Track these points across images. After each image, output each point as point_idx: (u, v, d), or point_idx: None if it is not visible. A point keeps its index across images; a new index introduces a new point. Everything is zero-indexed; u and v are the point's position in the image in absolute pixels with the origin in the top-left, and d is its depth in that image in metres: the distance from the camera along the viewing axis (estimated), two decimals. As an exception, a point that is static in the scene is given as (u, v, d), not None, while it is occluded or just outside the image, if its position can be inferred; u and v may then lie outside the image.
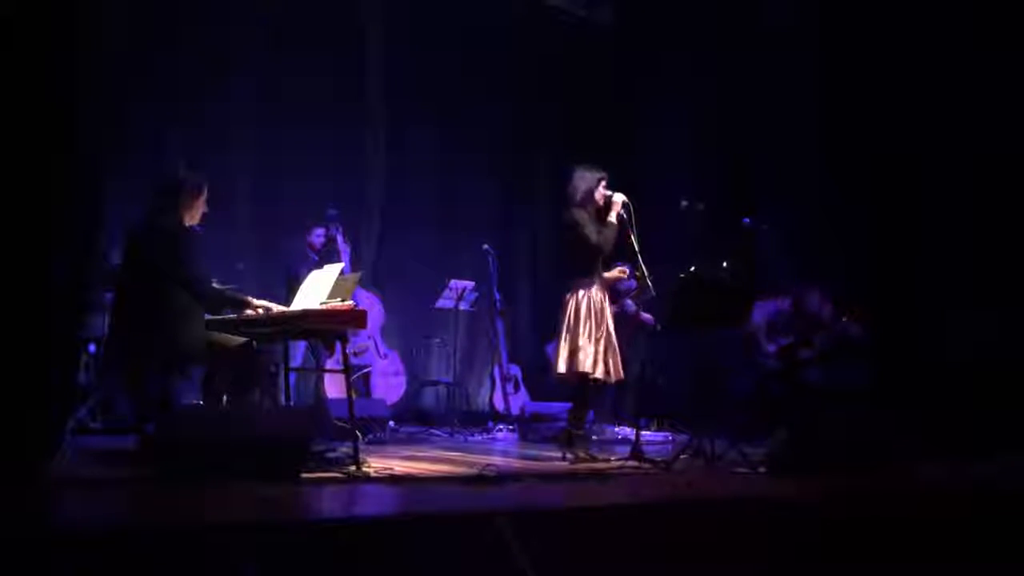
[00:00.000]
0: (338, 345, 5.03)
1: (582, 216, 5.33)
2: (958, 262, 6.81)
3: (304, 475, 4.02)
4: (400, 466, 4.76)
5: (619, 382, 5.51)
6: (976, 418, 6.14)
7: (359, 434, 4.68)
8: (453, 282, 7.82)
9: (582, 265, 5.36)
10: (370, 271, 7.94)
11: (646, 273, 5.32)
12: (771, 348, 7.38)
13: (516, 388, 8.28)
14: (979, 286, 6.71)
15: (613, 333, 5.35)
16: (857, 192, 7.41)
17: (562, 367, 5.35)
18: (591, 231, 5.29)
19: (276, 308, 4.65)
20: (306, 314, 4.57)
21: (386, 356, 7.75)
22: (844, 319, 6.99)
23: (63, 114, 3.61)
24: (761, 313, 7.09)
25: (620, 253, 5.51)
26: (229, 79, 7.57)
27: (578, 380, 5.35)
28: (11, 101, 3.48)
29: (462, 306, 7.96)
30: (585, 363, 5.22)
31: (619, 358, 5.36)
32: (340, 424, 5.47)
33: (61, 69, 3.60)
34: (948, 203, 6.93)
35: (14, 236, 3.55)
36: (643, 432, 5.71)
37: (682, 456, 5.12)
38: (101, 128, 4.12)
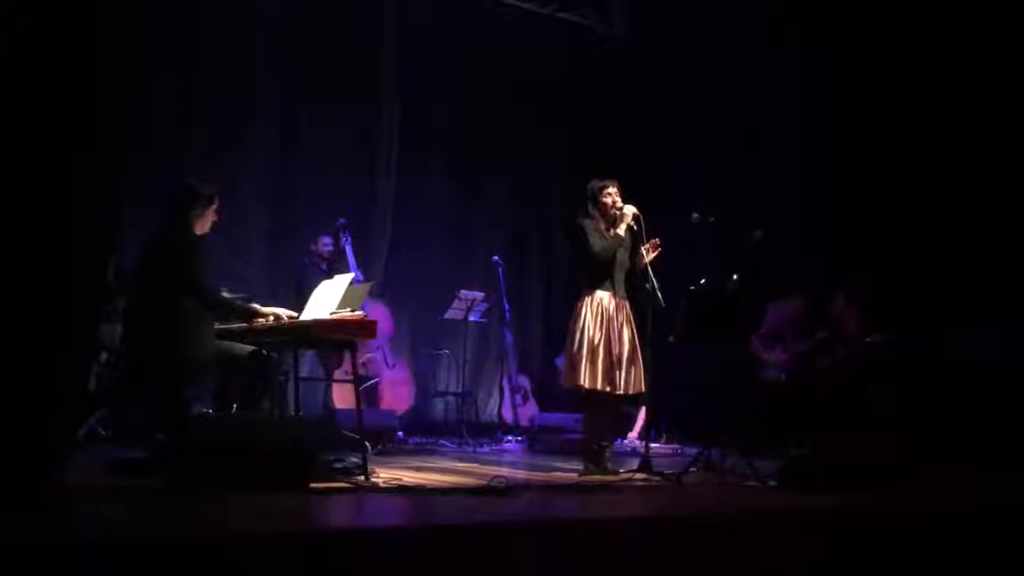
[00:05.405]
0: (347, 355, 5.03)
1: (587, 224, 5.33)
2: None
3: (313, 485, 4.02)
4: (409, 477, 4.76)
5: (636, 395, 5.41)
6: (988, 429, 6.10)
7: (368, 444, 4.68)
8: (462, 292, 7.82)
9: (586, 274, 5.35)
10: (379, 281, 7.95)
11: (656, 286, 5.28)
12: (779, 354, 7.31)
13: (525, 399, 8.27)
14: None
15: (628, 343, 5.27)
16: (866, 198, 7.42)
17: (563, 378, 5.36)
18: (594, 240, 5.27)
19: (285, 314, 4.66)
20: (316, 324, 4.58)
21: (394, 366, 7.75)
22: (870, 336, 6.75)
23: (86, 115, 3.62)
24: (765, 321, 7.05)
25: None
26: (242, 86, 7.63)
27: (576, 391, 5.34)
28: (34, 97, 3.47)
29: (471, 317, 7.96)
30: (578, 374, 5.19)
31: (639, 371, 5.29)
32: (349, 434, 5.47)
33: (84, 70, 3.61)
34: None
35: (29, 239, 3.56)
36: (653, 444, 5.67)
37: (692, 469, 5.09)
38: (120, 131, 4.14)
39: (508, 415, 8.03)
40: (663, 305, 5.26)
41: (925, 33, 7.10)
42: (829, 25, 7.71)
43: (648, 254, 5.29)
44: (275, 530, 3.09)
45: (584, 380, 5.16)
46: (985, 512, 4.24)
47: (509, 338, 8.14)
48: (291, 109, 7.85)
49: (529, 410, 8.17)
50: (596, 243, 5.26)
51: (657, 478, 5.00)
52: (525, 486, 4.63)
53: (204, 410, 5.15)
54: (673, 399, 7.87)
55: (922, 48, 7.11)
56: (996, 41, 6.81)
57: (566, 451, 6.53)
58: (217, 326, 4.63)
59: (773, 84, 8.27)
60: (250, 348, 4.57)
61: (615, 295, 5.31)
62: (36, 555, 2.50)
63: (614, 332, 5.24)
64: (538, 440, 7.38)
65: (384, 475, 4.61)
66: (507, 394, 8.10)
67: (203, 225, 4.66)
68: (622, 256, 5.35)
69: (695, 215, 5.59)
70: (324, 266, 7.07)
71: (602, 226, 5.35)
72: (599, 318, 5.23)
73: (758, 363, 7.31)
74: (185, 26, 7.29)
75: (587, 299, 5.28)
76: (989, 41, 6.84)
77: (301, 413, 5.81)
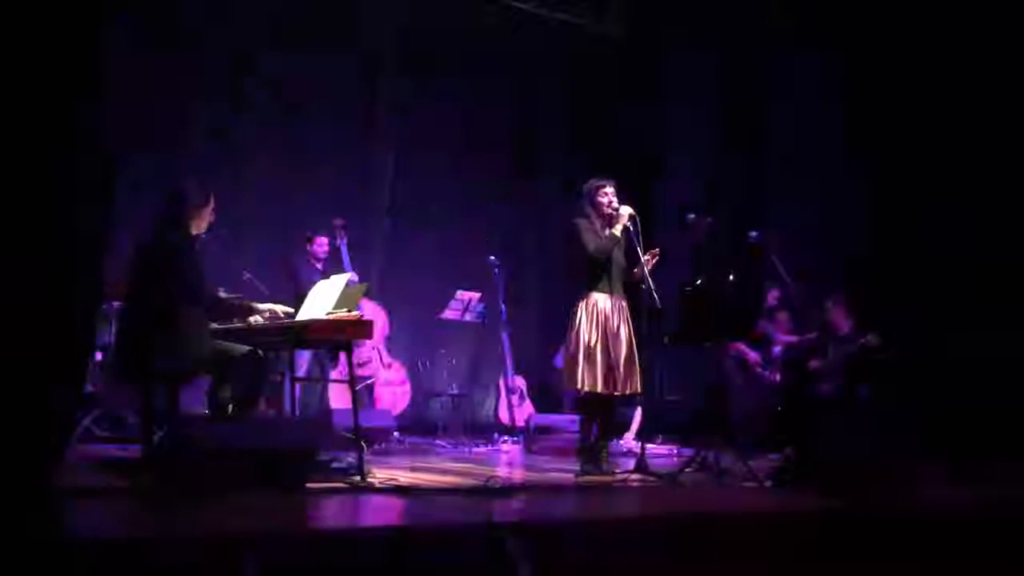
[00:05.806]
0: (342, 355, 5.03)
1: (583, 224, 5.31)
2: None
3: (309, 485, 4.02)
4: (405, 477, 4.76)
5: (632, 395, 5.43)
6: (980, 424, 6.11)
7: (364, 445, 4.68)
8: (459, 293, 7.82)
9: (582, 275, 5.33)
10: (376, 281, 7.95)
11: (652, 287, 5.28)
12: (776, 349, 7.32)
13: (521, 400, 8.27)
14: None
15: (625, 344, 5.26)
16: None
17: (566, 379, 5.37)
18: (588, 240, 5.26)
19: (282, 310, 4.67)
20: (312, 324, 4.58)
21: (389, 366, 7.75)
22: (864, 338, 6.63)
23: (85, 114, 3.61)
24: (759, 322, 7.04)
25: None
26: (241, 86, 7.64)
27: (576, 392, 5.34)
28: (33, 97, 3.47)
29: (468, 317, 7.95)
30: (577, 376, 5.20)
31: (636, 371, 5.29)
32: (345, 434, 5.47)
33: (82, 70, 3.61)
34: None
35: (24, 239, 3.55)
36: (649, 445, 5.68)
37: (688, 470, 5.10)
38: (116, 130, 4.14)
39: (504, 416, 8.03)
40: (659, 306, 5.26)
41: (929, 33, 7.09)
42: (828, 24, 7.71)
43: (648, 264, 5.28)
44: (271, 530, 3.09)
45: (583, 382, 5.16)
46: (985, 512, 4.25)
47: (506, 339, 8.14)
48: (290, 109, 7.85)
49: (525, 411, 8.17)
50: (591, 244, 5.25)
51: (653, 479, 5.01)
52: (521, 487, 4.64)
53: (200, 410, 5.15)
54: (669, 400, 7.89)
55: (925, 46, 7.10)
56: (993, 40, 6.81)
57: (562, 452, 6.54)
58: (213, 326, 4.63)
59: (773, 84, 8.28)
60: (246, 348, 4.57)
61: (612, 295, 5.30)
62: (36, 555, 2.50)
63: (611, 333, 5.23)
64: (534, 441, 7.39)
65: (380, 475, 4.62)
66: (503, 394, 8.10)
67: (199, 225, 4.65)
68: (618, 256, 5.34)
69: (691, 215, 5.59)
70: (320, 266, 7.07)
71: (597, 226, 5.33)
72: (596, 320, 5.22)
73: (754, 363, 7.33)
74: (184, 25, 7.28)
75: (584, 301, 5.27)
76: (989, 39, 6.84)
77: (298, 413, 5.81)
